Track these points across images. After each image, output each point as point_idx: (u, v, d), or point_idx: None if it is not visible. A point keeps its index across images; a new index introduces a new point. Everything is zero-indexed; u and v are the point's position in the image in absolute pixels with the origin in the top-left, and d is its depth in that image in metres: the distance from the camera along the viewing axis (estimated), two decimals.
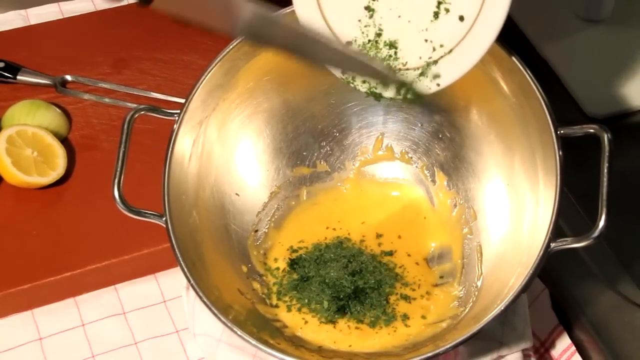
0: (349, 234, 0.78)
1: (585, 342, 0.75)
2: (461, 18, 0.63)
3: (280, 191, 0.79)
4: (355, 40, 0.67)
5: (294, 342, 0.69)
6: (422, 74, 0.65)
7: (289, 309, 0.73)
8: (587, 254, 0.78)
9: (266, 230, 0.77)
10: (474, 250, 0.74)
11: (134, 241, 0.80)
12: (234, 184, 0.77)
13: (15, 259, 0.80)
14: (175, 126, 0.70)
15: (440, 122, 0.77)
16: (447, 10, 0.63)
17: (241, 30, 0.65)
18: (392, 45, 0.66)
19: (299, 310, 0.72)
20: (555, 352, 0.77)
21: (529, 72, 0.66)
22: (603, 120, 0.89)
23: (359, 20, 0.66)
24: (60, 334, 0.78)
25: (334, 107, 0.79)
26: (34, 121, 0.87)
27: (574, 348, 0.75)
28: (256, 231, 0.77)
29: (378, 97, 0.68)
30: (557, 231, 0.63)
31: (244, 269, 0.74)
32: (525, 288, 0.63)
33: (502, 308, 0.63)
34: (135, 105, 0.81)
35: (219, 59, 0.72)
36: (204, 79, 0.72)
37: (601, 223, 0.61)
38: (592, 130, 0.64)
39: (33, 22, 1.05)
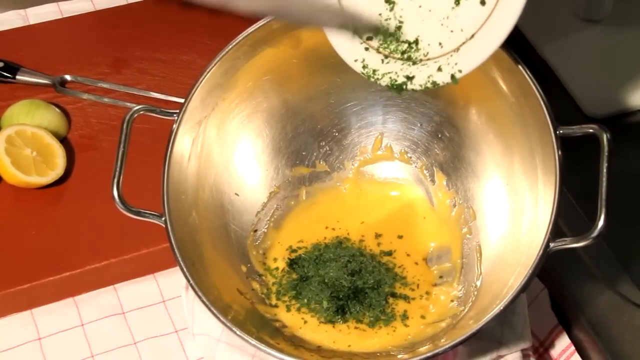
0: (348, 233, 0.78)
1: (584, 342, 0.75)
2: (482, 2, 0.62)
3: (279, 191, 0.79)
4: (377, 34, 0.66)
5: (293, 341, 0.69)
6: (444, 63, 0.64)
7: (288, 309, 0.73)
8: (587, 253, 0.78)
9: (265, 230, 0.77)
10: (473, 250, 0.74)
11: (133, 241, 0.80)
12: (233, 183, 0.77)
13: (15, 259, 0.80)
14: (174, 126, 0.70)
15: (439, 121, 0.77)
16: None
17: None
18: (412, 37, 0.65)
19: (298, 310, 0.72)
20: (554, 352, 0.77)
21: (528, 72, 0.66)
22: (602, 120, 0.89)
23: (380, 14, 0.66)
24: (59, 333, 0.78)
25: (333, 106, 0.79)
26: (33, 121, 0.87)
27: (573, 348, 0.75)
28: (255, 231, 0.77)
29: (400, 89, 0.67)
30: (557, 231, 0.63)
31: (243, 268, 0.74)
32: (525, 288, 0.63)
33: (502, 308, 0.63)
34: (134, 105, 0.81)
35: (218, 58, 0.72)
36: (203, 78, 0.72)
37: (600, 223, 0.61)
38: (591, 130, 0.64)
39: (32, 21, 1.04)
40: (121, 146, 0.68)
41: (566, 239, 0.63)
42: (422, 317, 0.72)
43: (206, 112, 0.73)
